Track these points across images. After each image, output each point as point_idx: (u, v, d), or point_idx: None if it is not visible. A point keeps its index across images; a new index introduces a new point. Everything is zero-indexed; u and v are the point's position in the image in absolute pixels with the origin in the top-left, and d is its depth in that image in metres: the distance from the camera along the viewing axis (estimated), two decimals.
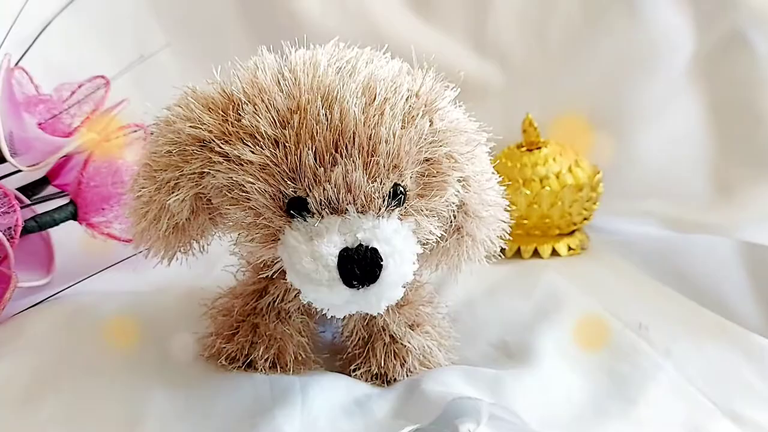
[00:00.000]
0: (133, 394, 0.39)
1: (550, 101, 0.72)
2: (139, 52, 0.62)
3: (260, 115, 0.33)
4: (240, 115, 0.34)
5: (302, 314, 0.43)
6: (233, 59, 0.36)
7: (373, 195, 0.33)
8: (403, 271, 0.33)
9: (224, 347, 0.41)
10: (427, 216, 0.36)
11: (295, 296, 0.41)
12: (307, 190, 0.33)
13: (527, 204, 0.62)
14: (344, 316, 0.43)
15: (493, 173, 0.40)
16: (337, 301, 0.33)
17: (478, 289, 0.54)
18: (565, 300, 0.51)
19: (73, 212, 0.51)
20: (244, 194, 0.34)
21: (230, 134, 0.34)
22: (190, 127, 0.34)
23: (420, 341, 0.42)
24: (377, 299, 0.33)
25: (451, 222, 0.38)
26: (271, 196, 0.33)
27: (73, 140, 0.50)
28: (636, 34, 0.73)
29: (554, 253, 0.64)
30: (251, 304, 0.42)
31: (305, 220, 0.33)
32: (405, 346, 0.42)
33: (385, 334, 0.42)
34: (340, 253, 0.32)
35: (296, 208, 0.33)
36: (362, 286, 0.32)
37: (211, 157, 0.34)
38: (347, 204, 0.33)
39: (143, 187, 0.36)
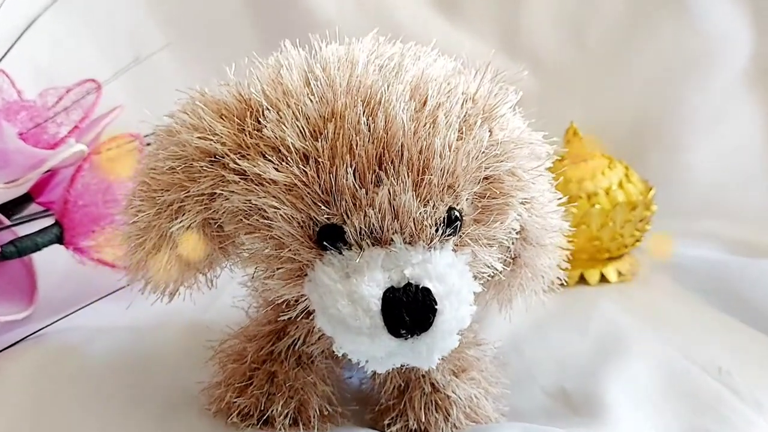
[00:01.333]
0: None
1: (590, 109, 0.69)
2: (134, 54, 0.58)
3: (286, 124, 0.28)
4: (260, 123, 0.29)
5: (327, 358, 0.38)
6: (250, 56, 0.31)
7: (424, 222, 0.28)
8: (460, 315, 0.28)
9: (236, 401, 0.36)
10: (485, 246, 0.31)
11: (319, 338, 0.36)
12: (345, 216, 0.28)
13: (574, 224, 0.57)
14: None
15: (554, 192, 0.35)
16: (380, 353, 0.28)
17: (523, 324, 0.49)
18: (626, 337, 0.47)
19: (58, 235, 0.47)
20: (265, 221, 0.29)
21: (248, 147, 0.29)
22: (199, 138, 0.30)
23: (466, 390, 0.37)
24: (429, 351, 0.28)
25: (508, 251, 0.33)
26: (299, 223, 0.29)
27: (58, 152, 0.46)
28: (687, 36, 0.69)
29: (602, 279, 0.59)
30: (267, 348, 0.37)
31: (341, 253, 0.28)
32: (449, 396, 0.37)
33: (425, 381, 0.37)
34: (384, 294, 0.27)
35: (330, 238, 0.28)
36: (412, 336, 0.27)
37: (224, 176, 0.29)
38: (393, 233, 0.28)
39: (140, 211, 0.32)
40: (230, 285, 0.39)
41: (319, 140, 0.28)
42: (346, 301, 0.27)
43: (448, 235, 0.29)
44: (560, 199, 0.35)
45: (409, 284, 0.27)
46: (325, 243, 0.28)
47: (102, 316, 0.48)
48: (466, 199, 0.30)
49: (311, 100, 0.28)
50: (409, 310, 0.27)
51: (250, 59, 0.31)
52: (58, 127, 0.49)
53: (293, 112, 0.28)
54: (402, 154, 0.28)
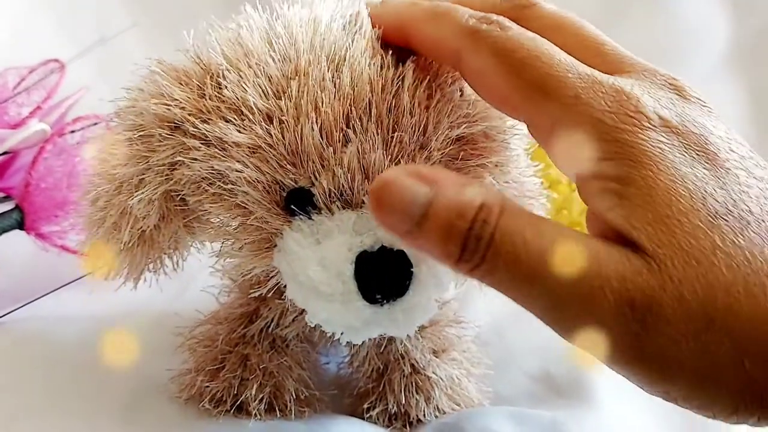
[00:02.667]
0: None
1: None
2: (99, 34, 0.56)
3: (247, 84, 0.27)
4: (221, 86, 0.28)
5: (302, 342, 0.37)
6: (209, 20, 0.30)
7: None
8: (438, 279, 0.27)
9: (207, 386, 0.35)
10: None
11: (293, 320, 0.35)
12: (312, 177, 0.27)
13: (556, 210, 0.56)
14: (351, 344, 0.37)
15: (530, 164, 0.34)
16: (355, 321, 0.26)
17: (505, 306, 0.47)
18: None
19: (19, 220, 0.46)
20: (229, 188, 0.28)
21: (209, 111, 0.28)
22: (156, 104, 0.28)
23: (447, 370, 0.37)
24: (406, 318, 0.27)
25: None
26: (264, 188, 0.27)
27: (18, 132, 0.44)
28: (663, 25, 0.69)
29: None
30: (239, 332, 0.36)
31: (310, 218, 0.27)
32: (429, 377, 0.36)
33: (404, 362, 0.36)
34: (357, 258, 0.26)
35: (298, 202, 0.27)
36: (387, 301, 0.26)
37: (184, 142, 0.28)
38: (364, 194, 0.27)
39: (99, 188, 0.30)
40: (201, 273, 0.37)
41: (283, 99, 0.27)
42: (316, 267, 0.26)
43: None
44: (535, 165, 0.34)
45: (382, 247, 0.26)
46: (293, 207, 0.27)
47: (66, 305, 0.46)
48: (440, 161, 0.29)
49: (273, 59, 0.27)
50: (383, 273, 0.26)
51: (209, 23, 0.30)
52: (20, 107, 0.48)
53: (255, 72, 0.27)
54: (370, 112, 0.27)
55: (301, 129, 0.26)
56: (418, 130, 0.27)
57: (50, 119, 0.47)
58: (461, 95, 0.30)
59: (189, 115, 0.28)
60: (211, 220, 0.30)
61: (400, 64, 0.28)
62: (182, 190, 0.29)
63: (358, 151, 0.26)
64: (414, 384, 0.36)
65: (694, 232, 0.20)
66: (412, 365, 0.36)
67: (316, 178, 0.27)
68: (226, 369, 0.35)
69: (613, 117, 0.22)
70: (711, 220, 0.20)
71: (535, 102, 0.23)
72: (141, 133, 0.29)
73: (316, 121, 0.26)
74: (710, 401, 0.21)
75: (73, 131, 0.47)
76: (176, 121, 0.28)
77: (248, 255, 0.29)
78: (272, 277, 0.30)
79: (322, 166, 0.27)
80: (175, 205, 0.30)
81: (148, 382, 0.37)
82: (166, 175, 0.29)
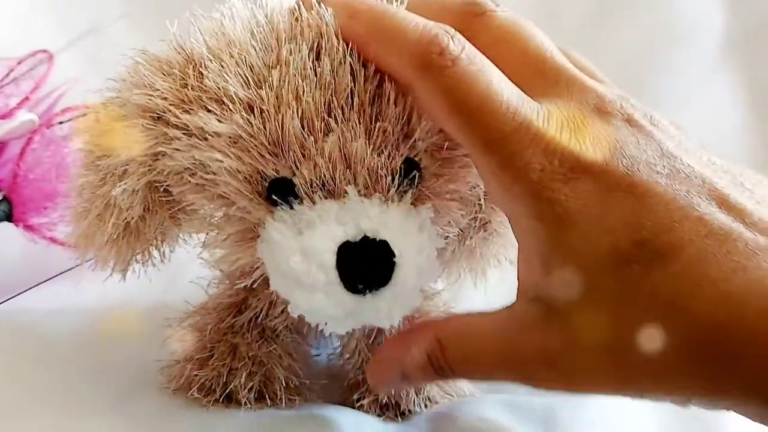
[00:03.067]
0: None
1: None
2: (89, 24, 0.56)
3: (229, 73, 0.27)
4: (203, 75, 0.28)
5: (292, 333, 0.37)
6: (192, 11, 0.30)
7: (379, 171, 0.27)
8: (422, 269, 0.27)
9: (196, 375, 0.34)
10: (448, 201, 0.30)
11: (282, 311, 0.35)
12: (294, 167, 0.27)
13: None
14: (339, 339, 0.37)
15: None
16: (337, 312, 0.26)
17: (498, 297, 0.47)
18: None
19: (6, 212, 0.45)
20: (210, 178, 0.28)
21: (191, 101, 0.28)
22: (138, 95, 0.28)
23: None
24: (390, 308, 0.27)
25: (475, 215, 0.32)
26: (246, 178, 0.27)
27: (6, 122, 0.44)
28: (658, 20, 0.69)
29: None
30: (228, 321, 0.36)
31: (292, 208, 0.27)
32: None
33: None
34: (339, 248, 0.26)
35: (279, 192, 0.27)
36: (370, 291, 0.26)
37: (166, 132, 0.28)
38: (346, 184, 0.27)
39: (85, 179, 0.30)
40: (190, 265, 0.36)
41: (264, 88, 0.27)
42: (298, 257, 0.26)
43: (406, 188, 0.28)
44: None
45: (365, 237, 0.26)
46: (274, 198, 0.27)
47: (54, 298, 0.46)
48: (425, 151, 0.28)
49: (255, 49, 0.27)
50: (365, 263, 0.26)
51: (191, 13, 0.30)
52: (8, 98, 0.47)
53: (236, 62, 0.27)
54: (352, 101, 0.27)
55: (282, 118, 0.26)
56: (402, 120, 0.27)
57: (39, 110, 0.47)
58: None
59: (171, 105, 0.28)
60: (196, 210, 0.30)
61: None
62: (166, 181, 0.29)
63: (339, 141, 0.26)
64: None
65: (600, 289, 0.23)
66: None
67: (297, 168, 0.27)
68: (215, 358, 0.35)
69: (542, 176, 0.24)
70: (618, 271, 0.23)
71: (479, 153, 0.25)
72: (124, 124, 0.29)
73: (297, 111, 0.26)
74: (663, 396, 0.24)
75: (61, 122, 0.47)
76: (158, 112, 0.28)
77: (233, 246, 0.29)
78: (257, 268, 0.30)
79: (303, 156, 0.26)
80: (160, 196, 0.30)
81: (138, 373, 0.37)
82: (149, 165, 0.29)
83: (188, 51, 0.29)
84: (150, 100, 0.28)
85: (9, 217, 0.45)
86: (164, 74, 0.29)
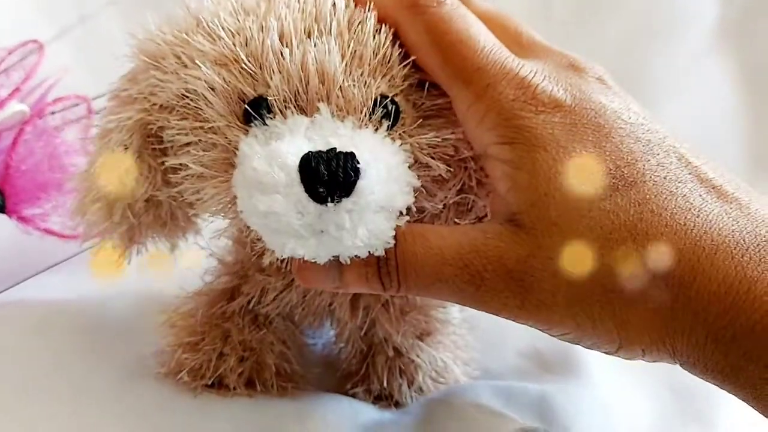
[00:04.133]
0: (75, 423, 0.33)
1: None
2: (78, 13, 0.56)
3: (222, 8, 0.29)
4: (201, 18, 0.29)
5: (285, 320, 0.37)
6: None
7: (353, 93, 0.27)
8: (389, 188, 0.26)
9: (186, 358, 0.35)
10: (428, 155, 0.29)
11: (274, 298, 0.35)
12: (269, 79, 0.27)
13: None
14: (336, 325, 0.37)
15: None
16: (296, 221, 0.25)
17: None
18: None
19: (0, 203, 0.45)
20: (194, 105, 0.28)
21: (186, 39, 0.29)
22: (144, 40, 0.30)
23: (431, 354, 0.37)
24: (353, 222, 0.25)
25: (463, 194, 0.31)
26: (226, 97, 0.27)
27: None
28: (651, 6, 0.69)
29: None
30: (220, 307, 0.36)
31: (265, 124, 0.27)
32: (413, 360, 0.37)
33: (387, 346, 0.37)
34: (305, 155, 0.25)
35: (256, 109, 0.27)
36: (332, 199, 0.24)
37: (163, 66, 0.29)
38: (319, 100, 0.27)
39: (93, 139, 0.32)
40: (187, 253, 0.37)
41: (251, 16, 0.28)
42: (262, 160, 0.25)
43: (382, 118, 0.27)
44: None
45: (333, 148, 0.25)
46: (249, 111, 0.27)
47: (49, 288, 0.47)
48: (405, 98, 0.29)
49: None
50: (328, 165, 0.24)
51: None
52: None
53: (231, 2, 0.29)
54: (331, 27, 0.27)
55: (263, 38, 0.27)
56: (381, 54, 0.28)
57: (30, 100, 0.47)
58: None
59: (171, 43, 0.29)
60: (182, 142, 0.29)
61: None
62: (157, 121, 0.30)
63: (314, 54, 0.27)
64: (398, 367, 0.36)
65: (565, 205, 0.24)
66: (396, 348, 0.36)
67: (272, 80, 0.27)
68: (206, 342, 0.35)
69: (514, 104, 0.26)
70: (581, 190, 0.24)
71: (456, 86, 0.27)
72: (129, 73, 0.30)
73: (277, 29, 0.27)
74: (595, 339, 0.25)
75: (53, 112, 0.47)
76: (158, 53, 0.29)
77: (210, 178, 0.28)
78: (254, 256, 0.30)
79: (278, 68, 0.27)
80: (152, 147, 0.30)
81: (132, 360, 0.38)
82: (146, 108, 0.30)
83: (195, 15, 0.30)
84: (152, 43, 0.29)
85: (2, 209, 0.45)
86: (171, 26, 0.30)
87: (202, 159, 0.28)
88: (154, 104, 0.29)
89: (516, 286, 0.25)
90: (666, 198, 0.24)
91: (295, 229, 0.25)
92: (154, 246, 0.35)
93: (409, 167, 0.27)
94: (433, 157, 0.28)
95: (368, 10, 0.28)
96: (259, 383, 0.35)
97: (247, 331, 0.35)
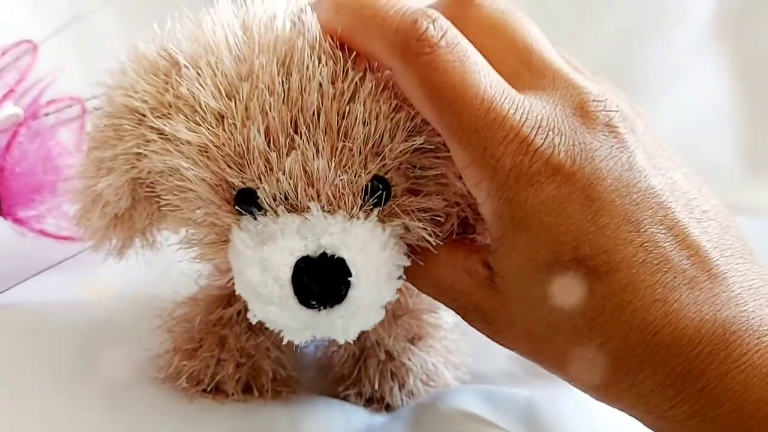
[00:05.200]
0: (70, 427, 0.34)
1: None
2: (73, 12, 0.56)
3: (204, 82, 0.28)
4: (180, 81, 0.29)
5: None
6: (182, 10, 0.31)
7: (343, 190, 0.27)
8: (381, 289, 0.28)
9: (185, 365, 0.36)
10: (419, 219, 0.29)
11: None
12: (257, 180, 0.27)
13: None
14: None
15: None
16: (292, 323, 0.28)
17: None
18: None
19: None
20: (182, 183, 0.29)
21: (169, 105, 0.29)
22: (122, 95, 0.29)
23: (423, 358, 0.37)
24: (345, 325, 0.28)
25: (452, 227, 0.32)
26: (213, 186, 0.28)
27: None
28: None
29: None
30: (217, 313, 0.37)
31: (255, 219, 0.28)
32: (404, 363, 0.37)
33: (379, 349, 0.37)
34: (296, 263, 0.26)
35: (245, 202, 0.28)
36: (323, 308, 0.27)
37: (144, 134, 0.29)
38: (309, 200, 0.27)
39: (82, 169, 0.32)
40: (182, 256, 0.36)
41: (234, 101, 0.27)
42: (256, 269, 0.27)
43: (373, 205, 0.28)
44: None
45: (324, 254, 0.26)
46: (238, 208, 0.28)
47: (45, 290, 0.47)
48: (397, 169, 0.29)
49: (229, 58, 0.28)
50: (319, 280, 0.26)
51: (179, 14, 0.30)
52: None
53: (212, 71, 0.28)
54: (319, 118, 0.27)
55: (248, 132, 0.27)
56: (372, 139, 0.27)
57: (24, 102, 0.47)
58: None
59: (150, 108, 0.29)
60: (179, 207, 0.30)
61: (357, 71, 0.28)
62: (148, 179, 0.30)
63: (301, 158, 0.27)
64: (389, 371, 0.37)
65: (533, 284, 0.25)
66: (387, 352, 0.37)
67: (261, 181, 0.27)
68: (204, 349, 0.36)
69: (510, 174, 0.25)
70: (552, 277, 0.25)
71: (453, 144, 0.26)
72: (111, 122, 0.30)
73: (262, 124, 0.27)
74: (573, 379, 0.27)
75: (47, 114, 0.48)
76: (138, 113, 0.29)
77: (207, 246, 0.30)
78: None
79: (266, 170, 0.27)
80: (145, 192, 0.31)
81: (129, 365, 0.38)
82: (132, 163, 0.30)
83: (173, 54, 0.29)
84: (132, 102, 0.29)
85: None
86: (151, 75, 0.29)
87: (197, 235, 0.30)
88: (142, 170, 0.30)
89: (488, 325, 0.28)
90: (634, 290, 0.24)
91: (292, 328, 0.28)
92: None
93: (399, 236, 0.29)
94: (424, 220, 0.29)
95: (361, 85, 0.27)
96: (256, 388, 0.35)
97: (243, 337, 0.36)
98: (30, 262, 0.47)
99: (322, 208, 0.27)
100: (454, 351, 0.39)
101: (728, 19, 0.70)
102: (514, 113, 0.25)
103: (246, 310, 0.35)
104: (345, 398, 0.37)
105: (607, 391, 0.26)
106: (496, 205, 0.26)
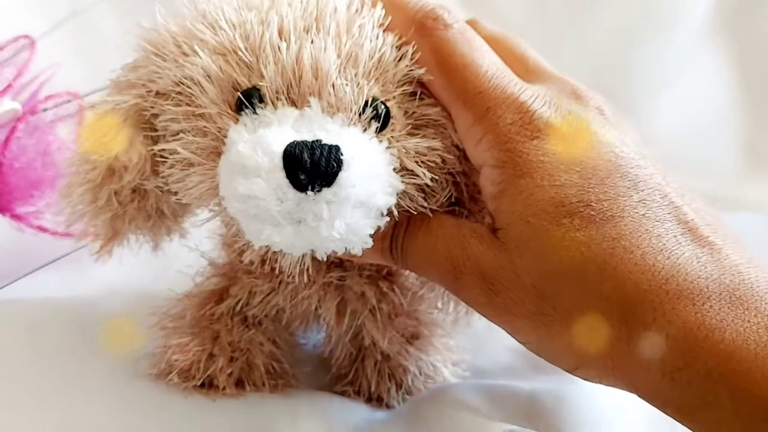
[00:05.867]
0: (66, 422, 0.33)
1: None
2: (70, 7, 0.55)
3: (227, 2, 0.30)
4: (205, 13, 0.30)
5: (274, 322, 0.37)
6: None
7: (344, 93, 0.27)
8: (371, 186, 0.26)
9: (176, 360, 0.35)
10: (415, 161, 0.29)
11: (261, 300, 0.35)
12: (264, 70, 0.28)
13: None
14: (325, 329, 0.37)
15: None
16: (275, 206, 0.25)
17: None
18: None
19: None
20: (191, 90, 0.29)
21: (190, 33, 0.30)
22: (149, 31, 0.31)
23: (420, 358, 0.37)
24: (330, 214, 0.25)
25: (454, 202, 0.32)
26: (220, 86, 0.28)
27: None
28: None
29: None
30: (209, 309, 0.37)
31: (255, 113, 0.27)
32: (401, 364, 0.37)
33: (376, 350, 0.37)
34: (289, 144, 0.25)
35: (248, 99, 0.28)
36: (313, 188, 0.25)
37: (163, 54, 0.30)
38: (310, 94, 0.27)
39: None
40: (179, 254, 0.38)
41: (253, 11, 0.29)
42: (247, 144, 0.26)
43: (372, 120, 0.28)
44: None
45: (318, 140, 0.25)
46: (240, 98, 0.28)
47: (42, 287, 0.47)
48: (396, 103, 0.29)
49: None
50: (311, 154, 0.25)
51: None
52: None
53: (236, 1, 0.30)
54: (330, 27, 0.28)
55: (262, 32, 0.28)
56: (376, 57, 0.28)
57: (22, 97, 0.47)
58: None
59: (175, 36, 0.30)
60: (174, 129, 0.30)
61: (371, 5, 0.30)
62: (153, 108, 0.30)
63: (310, 50, 0.27)
64: (386, 371, 0.37)
65: (539, 231, 0.26)
66: (384, 352, 0.37)
67: (266, 70, 0.27)
68: (196, 343, 0.36)
69: (510, 128, 0.27)
70: (560, 219, 0.25)
71: (457, 107, 0.28)
72: (132, 66, 0.31)
73: (276, 24, 0.28)
74: (554, 356, 0.27)
75: (45, 109, 0.47)
76: (161, 43, 0.30)
77: (196, 165, 0.29)
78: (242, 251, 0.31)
79: (273, 60, 0.27)
80: (143, 129, 0.31)
81: (125, 361, 0.38)
82: (143, 85, 0.30)
83: (200, 9, 0.30)
84: (156, 33, 0.30)
85: None
86: (177, 21, 0.30)
87: (191, 146, 0.28)
88: (151, 91, 0.30)
89: (486, 287, 0.27)
90: (640, 236, 0.25)
91: (273, 216, 0.25)
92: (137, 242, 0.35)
93: (394, 171, 0.28)
94: (419, 165, 0.29)
95: (371, 15, 0.29)
96: (248, 383, 0.35)
97: (236, 331, 0.36)
98: (28, 259, 0.47)
99: (323, 108, 0.27)
100: (453, 348, 0.39)
101: (726, 16, 0.70)
102: (515, 85, 0.28)
103: (238, 305, 0.36)
104: (343, 394, 0.37)
105: (618, 351, 0.25)
106: (497, 156, 0.27)
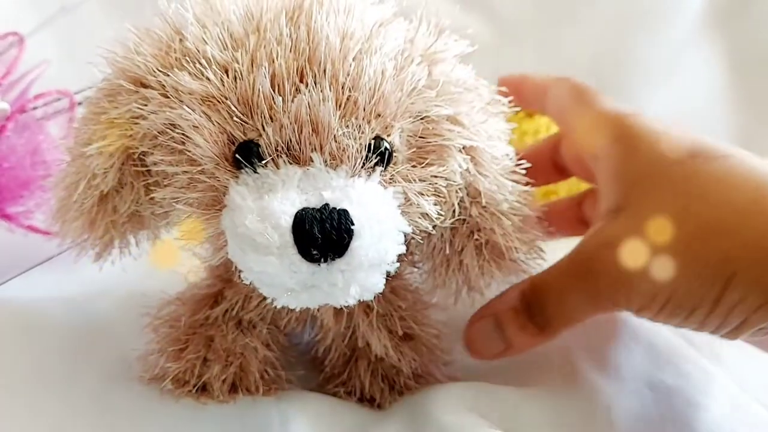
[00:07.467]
0: (57, 425, 0.33)
1: (546, 62, 0.67)
2: (61, 3, 0.55)
3: (209, 38, 0.28)
4: (185, 40, 0.28)
5: (269, 325, 0.37)
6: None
7: (347, 143, 0.27)
8: (382, 246, 0.26)
9: (170, 366, 0.35)
10: (419, 190, 0.29)
11: (257, 304, 0.36)
12: (260, 128, 0.27)
13: (542, 194, 0.55)
14: (317, 330, 0.37)
15: (511, 156, 0.33)
16: (290, 279, 0.26)
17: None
18: None
19: None
20: (180, 139, 0.28)
21: (171, 66, 0.28)
22: (123, 58, 0.29)
23: (414, 358, 0.37)
24: (345, 281, 0.26)
25: (460, 217, 0.32)
26: (213, 138, 0.27)
27: None
28: None
29: None
30: (203, 313, 0.36)
31: (256, 172, 0.27)
32: (394, 366, 0.37)
33: (369, 350, 0.37)
34: (298, 212, 0.25)
35: (246, 156, 0.27)
36: (325, 260, 0.25)
37: (145, 95, 0.29)
38: (312, 150, 0.26)
39: (69, 151, 0.31)
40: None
41: (240, 51, 0.27)
42: (255, 217, 0.26)
43: (375, 165, 0.28)
44: (522, 163, 0.33)
45: (326, 205, 0.25)
46: (238, 158, 0.27)
47: (33, 287, 0.46)
48: (399, 135, 0.29)
49: (237, 16, 0.28)
50: (322, 229, 0.25)
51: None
52: None
53: (219, 29, 0.28)
54: (326, 69, 0.27)
55: (253, 79, 0.27)
56: (376, 96, 0.27)
57: (11, 96, 0.47)
58: (429, 75, 0.30)
59: (153, 69, 0.28)
60: (168, 179, 0.29)
61: (367, 34, 0.28)
62: (140, 147, 0.30)
63: (308, 102, 0.26)
64: (380, 372, 0.37)
65: (667, 172, 0.31)
66: (378, 354, 0.36)
67: (264, 129, 0.27)
68: (189, 350, 0.35)
69: (618, 112, 0.34)
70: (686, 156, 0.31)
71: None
72: (107, 91, 0.30)
73: (268, 71, 0.27)
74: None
75: (35, 107, 0.47)
76: (139, 75, 0.29)
77: (198, 214, 0.29)
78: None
79: (271, 117, 0.27)
80: (134, 166, 0.30)
81: (115, 363, 0.38)
82: (126, 129, 0.29)
83: (176, 22, 0.29)
84: (132, 64, 0.29)
85: None
86: (154, 40, 0.29)
87: (189, 199, 0.28)
88: (136, 134, 0.29)
89: (617, 259, 0.30)
90: (755, 166, 0.30)
91: (289, 287, 0.26)
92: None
93: (400, 206, 0.28)
94: (425, 195, 0.29)
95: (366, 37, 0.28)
96: (241, 389, 0.35)
97: (230, 336, 0.36)
98: (19, 259, 0.47)
99: (325, 161, 0.26)
100: (445, 349, 0.38)
101: (721, 11, 0.70)
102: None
103: (232, 309, 0.35)
104: (335, 394, 0.37)
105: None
106: (613, 134, 0.33)
